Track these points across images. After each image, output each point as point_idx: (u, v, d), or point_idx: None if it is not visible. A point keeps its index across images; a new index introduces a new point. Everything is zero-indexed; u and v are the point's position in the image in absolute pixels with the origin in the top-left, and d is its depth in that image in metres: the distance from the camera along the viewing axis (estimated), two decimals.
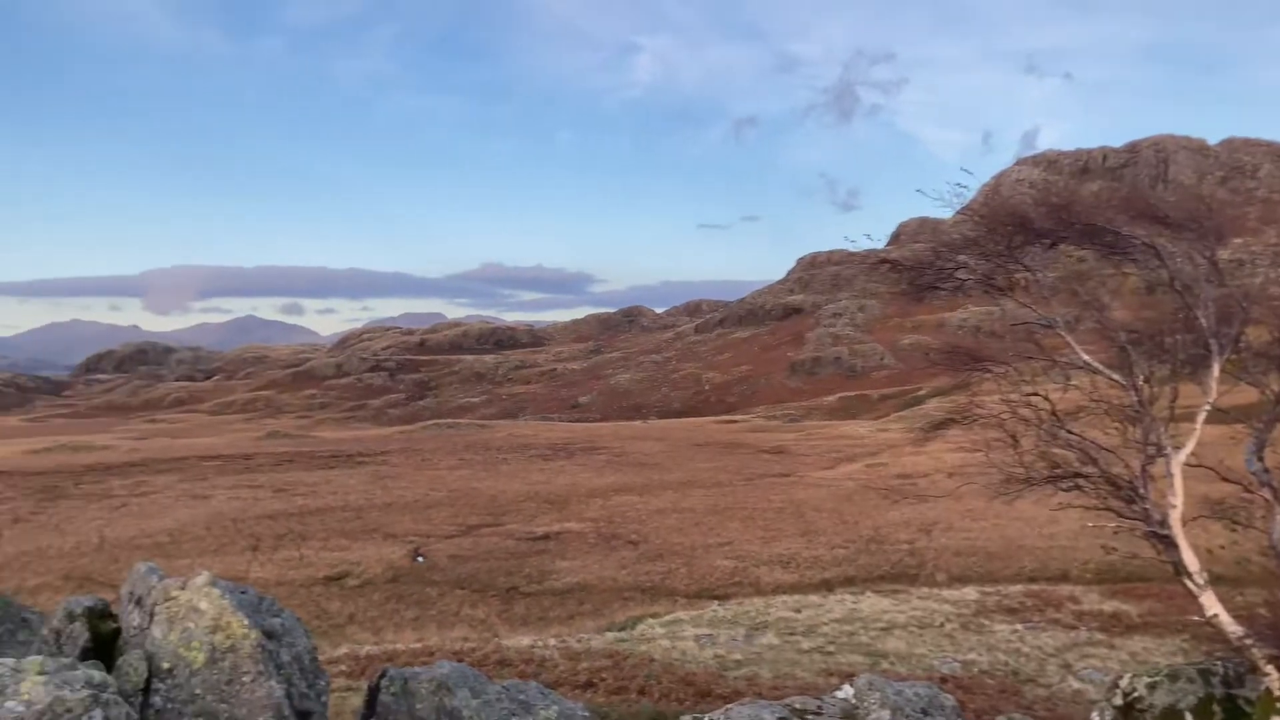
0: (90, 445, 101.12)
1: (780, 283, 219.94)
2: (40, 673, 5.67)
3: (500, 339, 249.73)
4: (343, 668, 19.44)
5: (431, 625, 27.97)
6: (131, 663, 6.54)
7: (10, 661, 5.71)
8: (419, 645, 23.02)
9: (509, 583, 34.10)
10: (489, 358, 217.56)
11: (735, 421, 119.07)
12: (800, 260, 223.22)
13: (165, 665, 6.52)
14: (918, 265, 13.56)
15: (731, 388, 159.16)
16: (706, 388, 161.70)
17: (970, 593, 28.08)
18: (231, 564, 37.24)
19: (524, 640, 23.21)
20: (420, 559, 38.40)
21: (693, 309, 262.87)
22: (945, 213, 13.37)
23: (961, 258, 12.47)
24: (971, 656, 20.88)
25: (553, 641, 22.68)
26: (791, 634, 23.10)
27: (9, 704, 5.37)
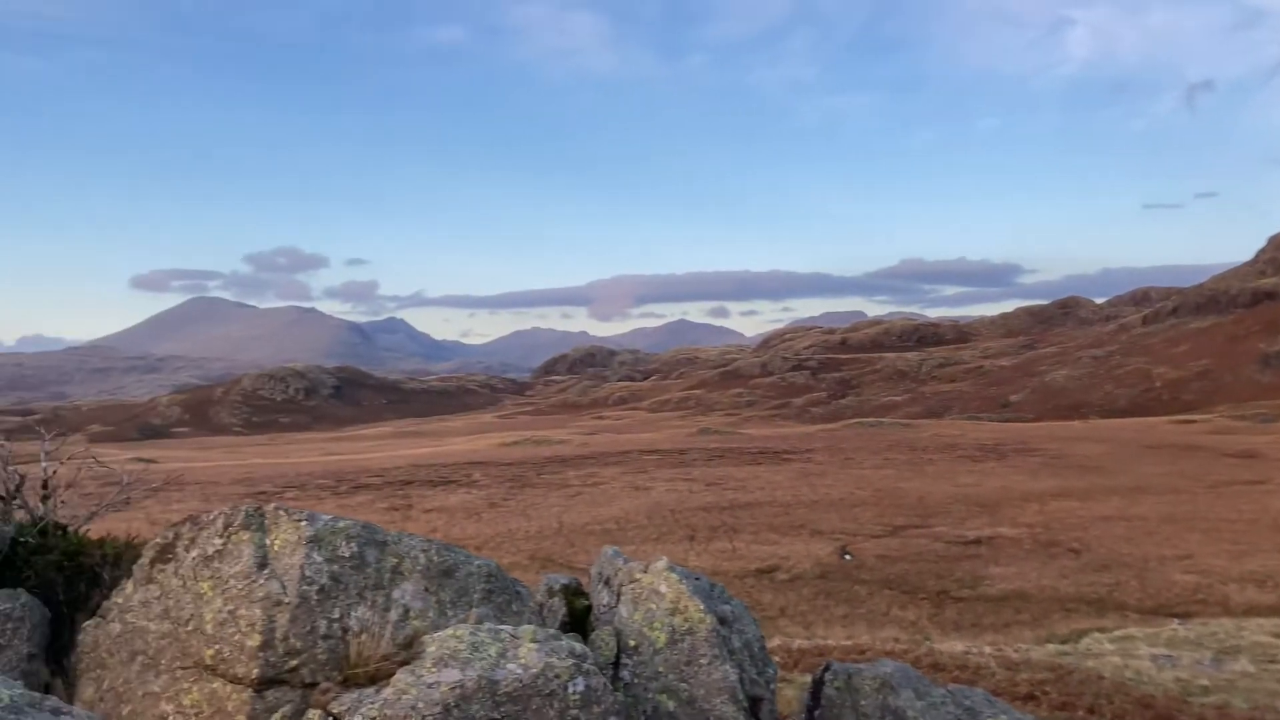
0: (549, 440, 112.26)
1: (1247, 265, 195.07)
2: (533, 640, 6.45)
3: (923, 335, 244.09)
4: (776, 659, 20.06)
5: (861, 623, 28.01)
6: (603, 638, 7.25)
7: (509, 629, 6.55)
8: (849, 642, 23.17)
9: (939, 586, 33.27)
10: (911, 355, 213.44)
11: (1193, 422, 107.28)
12: (1271, 239, 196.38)
13: (631, 643, 7.15)
14: None
15: (1188, 384, 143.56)
16: (1157, 384, 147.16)
17: None
18: (670, 552, 39.67)
19: (957, 646, 22.57)
20: (848, 557, 38.57)
21: (1139, 298, 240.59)
22: None
23: None
24: None
25: (988, 649, 21.85)
26: (1271, 661, 20.47)
27: (510, 665, 6.17)
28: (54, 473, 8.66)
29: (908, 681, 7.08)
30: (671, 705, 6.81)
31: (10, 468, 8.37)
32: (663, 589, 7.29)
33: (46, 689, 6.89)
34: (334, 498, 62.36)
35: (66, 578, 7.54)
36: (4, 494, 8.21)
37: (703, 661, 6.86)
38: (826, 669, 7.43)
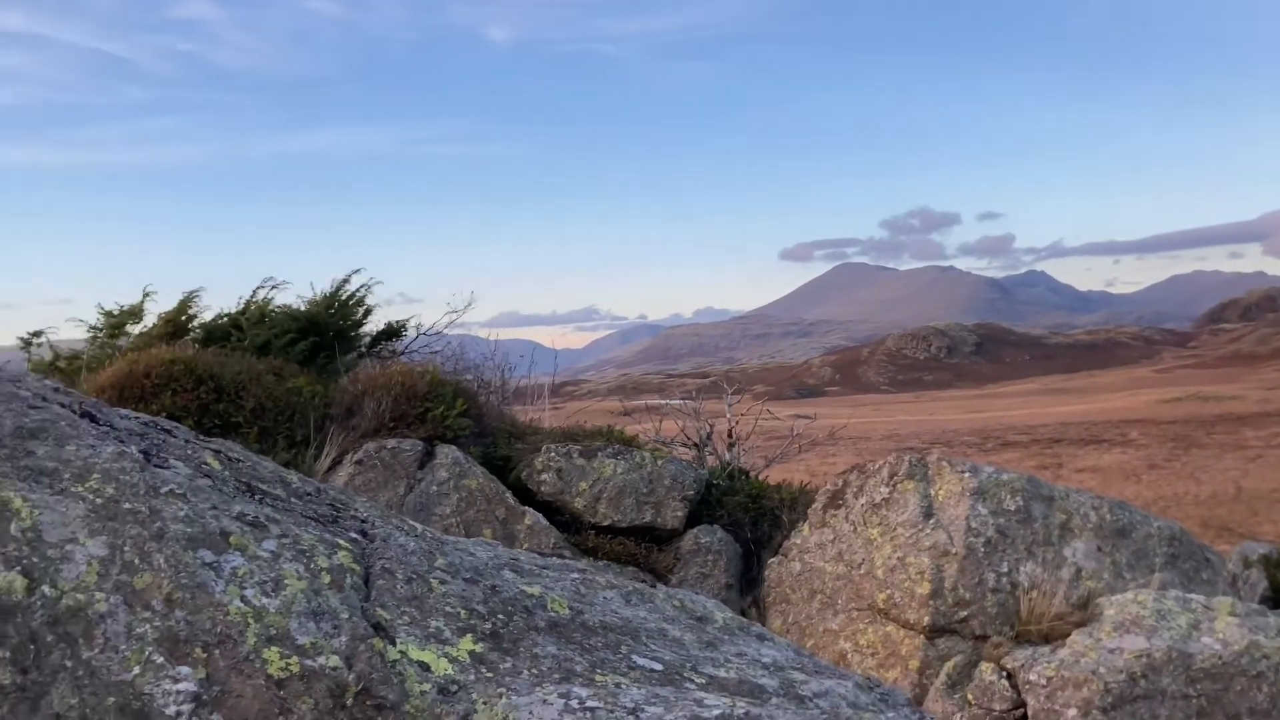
0: (1219, 395, 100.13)
1: None
2: (1231, 614, 5.72)
3: None
4: None
5: None
6: None
7: (1201, 598, 5.88)
8: None
9: None
10: None
11: None
12: None
13: None
14: None
15: None
16: None
17: None
18: None
19: None
20: None
21: None
22: None
23: None
24: None
25: None
26: None
27: (1205, 639, 5.54)
28: (736, 423, 9.65)
29: None
30: None
31: (701, 419, 9.48)
32: None
33: (742, 615, 7.70)
34: (980, 455, 61.97)
35: (751, 518, 8.35)
36: (697, 441, 9.33)
37: None
38: None
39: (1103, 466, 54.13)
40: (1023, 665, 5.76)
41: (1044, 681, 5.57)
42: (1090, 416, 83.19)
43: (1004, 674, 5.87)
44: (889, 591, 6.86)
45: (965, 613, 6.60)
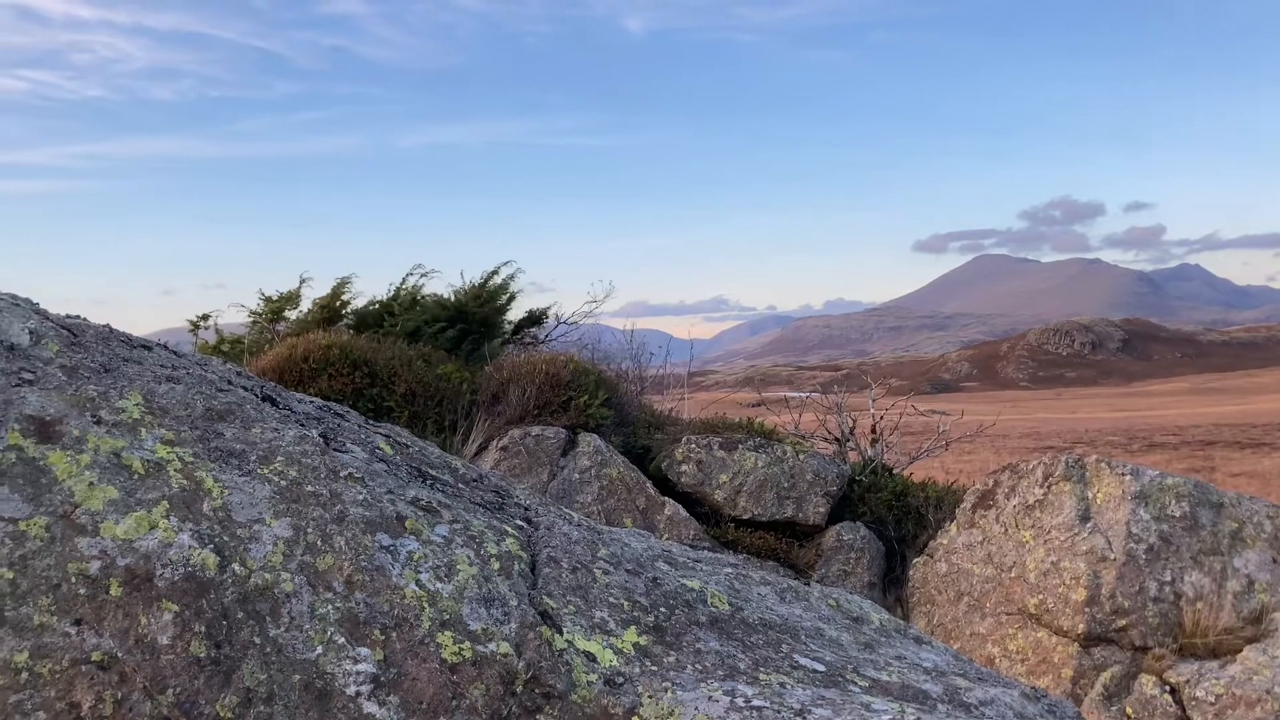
0: None
1: None
2: None
3: None
4: None
5: None
6: None
7: None
8: None
9: None
10: None
11: None
12: None
13: None
14: None
15: None
16: None
17: None
18: None
19: None
20: None
21: None
22: None
23: None
24: None
25: None
26: None
27: None
28: (881, 418, 9.45)
29: None
30: None
31: (843, 414, 9.32)
32: None
33: None
34: (1124, 455, 59.32)
35: (895, 516, 8.16)
36: (839, 437, 9.18)
37: None
38: None
39: (1261, 471, 51.10)
40: (1188, 680, 5.48)
41: (1212, 699, 5.29)
42: (1248, 418, 78.63)
43: (1167, 688, 5.60)
44: (1041, 596, 6.61)
45: (1124, 622, 6.31)
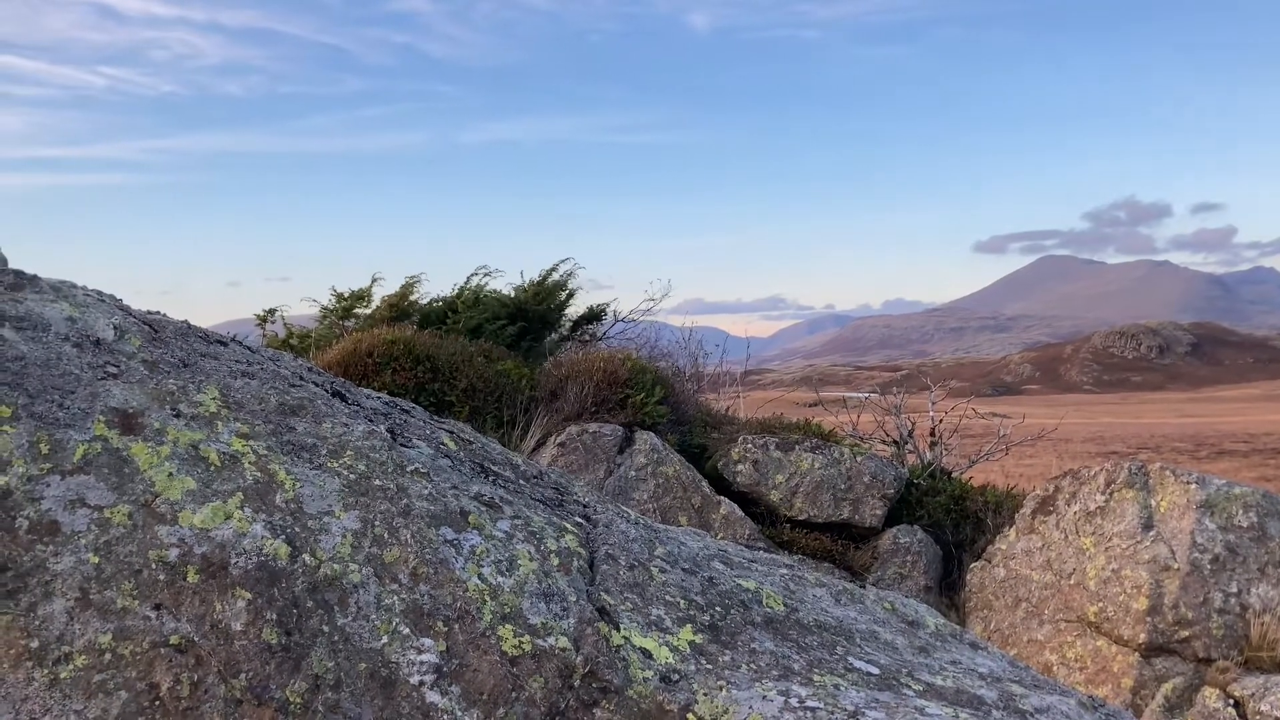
0: None
1: None
2: None
3: None
4: None
5: None
6: None
7: None
8: None
9: None
10: None
11: None
12: None
13: None
14: None
15: None
16: None
17: None
18: None
19: None
20: None
21: None
22: None
23: None
24: None
25: None
26: None
27: None
28: (940, 421, 9.37)
29: None
30: None
31: (902, 415, 9.26)
32: None
33: None
34: (1191, 462, 58.02)
35: (953, 520, 8.10)
36: (897, 439, 9.12)
37: None
38: None
39: None
40: (1253, 694, 5.38)
41: (1278, 713, 5.19)
42: None
43: (1231, 702, 5.50)
44: (1101, 604, 6.53)
45: (1186, 633, 6.21)
